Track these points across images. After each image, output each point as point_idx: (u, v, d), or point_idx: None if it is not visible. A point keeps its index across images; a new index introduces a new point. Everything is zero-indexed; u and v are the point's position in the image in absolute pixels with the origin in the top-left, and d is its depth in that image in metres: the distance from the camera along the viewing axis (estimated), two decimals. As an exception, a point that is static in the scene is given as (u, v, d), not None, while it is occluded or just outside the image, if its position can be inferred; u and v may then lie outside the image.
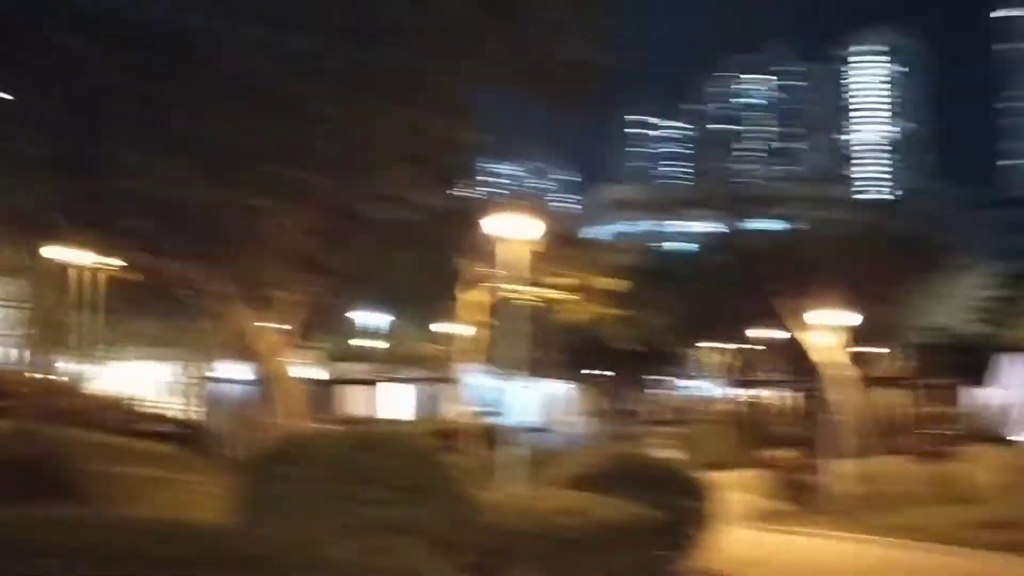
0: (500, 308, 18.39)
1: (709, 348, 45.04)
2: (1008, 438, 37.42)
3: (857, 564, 12.62)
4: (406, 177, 13.11)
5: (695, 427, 33.23)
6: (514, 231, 14.08)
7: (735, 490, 21.75)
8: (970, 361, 44.57)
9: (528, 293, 15.67)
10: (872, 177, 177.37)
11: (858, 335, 31.66)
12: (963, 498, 18.19)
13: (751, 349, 38.27)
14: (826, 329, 21.32)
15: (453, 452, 16.96)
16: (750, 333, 37.12)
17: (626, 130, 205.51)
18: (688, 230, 52.30)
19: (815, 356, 21.49)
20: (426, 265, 19.77)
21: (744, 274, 26.73)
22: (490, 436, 18.82)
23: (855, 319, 20.82)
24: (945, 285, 37.78)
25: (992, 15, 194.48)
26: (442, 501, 6.84)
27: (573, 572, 7.93)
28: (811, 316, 21.43)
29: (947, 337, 39.97)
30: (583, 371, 44.32)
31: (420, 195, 14.40)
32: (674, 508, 9.66)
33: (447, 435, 19.75)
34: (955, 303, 38.19)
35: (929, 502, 18.46)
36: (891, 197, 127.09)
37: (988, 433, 38.30)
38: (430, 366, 34.42)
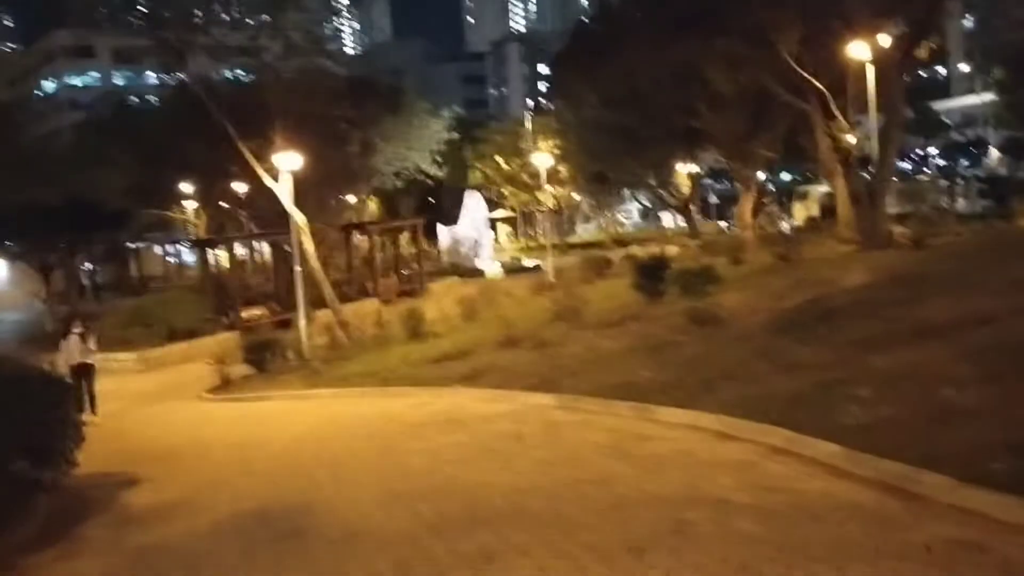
0: None
1: (180, 208, 41.34)
2: (477, 269, 41.08)
3: (293, 425, 11.41)
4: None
5: (161, 295, 30.00)
6: None
7: (202, 359, 19.67)
8: (438, 201, 47.76)
9: None
10: (340, 29, 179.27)
11: (328, 181, 31.07)
12: (425, 334, 18.45)
13: (225, 206, 35.63)
14: (288, 175, 19.62)
15: None
16: (223, 187, 34.35)
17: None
18: (150, 80, 46.18)
19: (285, 205, 19.80)
20: None
21: (208, 123, 23.61)
22: None
23: (301, 162, 19.35)
24: (411, 130, 38.89)
25: None
26: None
27: None
28: (278, 163, 19.52)
29: (415, 179, 41.82)
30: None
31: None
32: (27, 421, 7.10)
33: None
34: (420, 147, 39.67)
35: (396, 343, 18.42)
36: (356, 49, 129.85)
37: (458, 267, 41.59)
38: None
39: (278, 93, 22.95)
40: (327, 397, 14.05)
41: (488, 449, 8.41)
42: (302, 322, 19.11)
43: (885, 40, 21.25)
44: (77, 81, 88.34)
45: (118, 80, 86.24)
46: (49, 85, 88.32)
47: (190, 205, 41.17)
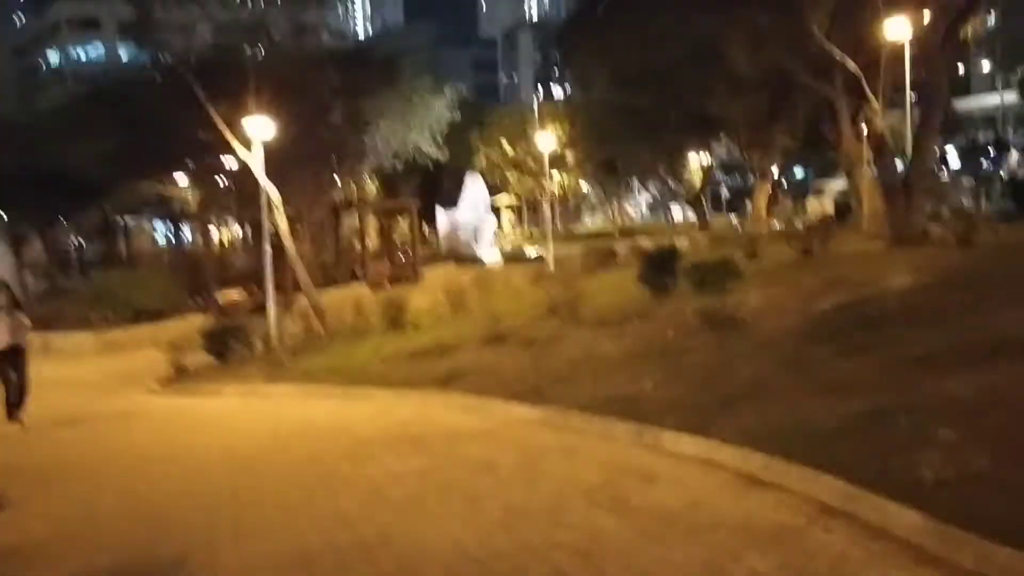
0: None
1: (174, 183, 39.42)
2: (476, 256, 39.14)
3: (229, 433, 9.59)
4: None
5: (130, 272, 28.19)
6: None
7: (162, 345, 17.75)
8: (438, 184, 45.75)
9: None
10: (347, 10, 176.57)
11: (317, 156, 29.18)
12: (406, 326, 16.60)
13: (209, 182, 33.74)
14: (259, 144, 17.69)
15: None
16: (213, 163, 32.47)
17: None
18: (141, 53, 44.28)
19: (257, 178, 17.93)
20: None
21: (192, 98, 21.71)
22: None
23: (274, 130, 17.36)
24: (410, 107, 36.90)
25: None
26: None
27: None
28: (248, 130, 17.61)
29: (416, 161, 39.79)
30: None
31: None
32: None
33: None
34: (420, 126, 37.68)
35: (374, 334, 16.58)
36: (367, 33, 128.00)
37: (456, 254, 39.67)
38: None
39: (258, 59, 21.11)
40: (283, 396, 12.25)
41: (447, 485, 6.53)
42: (270, 308, 17.27)
43: (925, 18, 19.26)
44: (81, 53, 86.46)
45: (123, 53, 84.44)
46: (55, 57, 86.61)
47: (183, 180, 39.29)
